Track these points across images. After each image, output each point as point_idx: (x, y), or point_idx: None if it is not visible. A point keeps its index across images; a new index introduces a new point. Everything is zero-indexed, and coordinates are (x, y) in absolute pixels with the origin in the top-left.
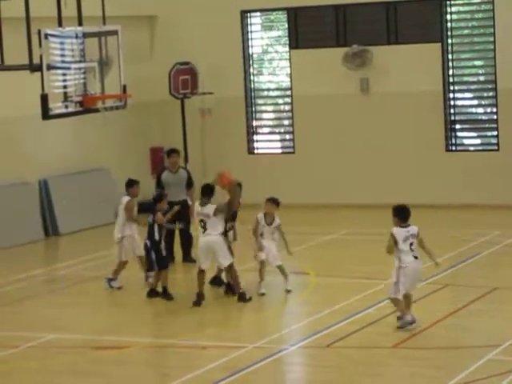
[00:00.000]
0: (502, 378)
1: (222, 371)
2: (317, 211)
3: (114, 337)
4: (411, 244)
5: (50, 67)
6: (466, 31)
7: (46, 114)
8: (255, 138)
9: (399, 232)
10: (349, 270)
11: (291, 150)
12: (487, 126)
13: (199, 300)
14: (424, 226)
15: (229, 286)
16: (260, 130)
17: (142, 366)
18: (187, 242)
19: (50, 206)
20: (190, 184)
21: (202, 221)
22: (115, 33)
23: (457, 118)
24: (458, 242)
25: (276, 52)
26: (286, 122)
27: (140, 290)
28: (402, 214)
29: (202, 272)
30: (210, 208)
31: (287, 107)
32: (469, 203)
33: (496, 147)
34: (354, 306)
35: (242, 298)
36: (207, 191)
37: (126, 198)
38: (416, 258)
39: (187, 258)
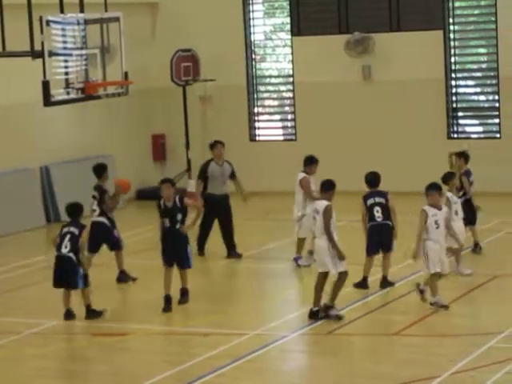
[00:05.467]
0: (502, 365)
1: (223, 358)
2: None
3: (116, 323)
4: None
5: (51, 54)
6: (468, 19)
7: (48, 100)
8: (257, 125)
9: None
10: (352, 257)
11: (293, 138)
12: (489, 113)
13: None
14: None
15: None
16: (261, 117)
17: (144, 353)
18: (231, 235)
19: (52, 192)
20: (234, 174)
21: None
22: (117, 19)
23: (459, 105)
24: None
25: (278, 39)
26: (288, 109)
27: (142, 275)
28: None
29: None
30: None
31: (289, 94)
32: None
33: (498, 135)
34: (356, 292)
35: None
36: None
37: (301, 175)
38: None
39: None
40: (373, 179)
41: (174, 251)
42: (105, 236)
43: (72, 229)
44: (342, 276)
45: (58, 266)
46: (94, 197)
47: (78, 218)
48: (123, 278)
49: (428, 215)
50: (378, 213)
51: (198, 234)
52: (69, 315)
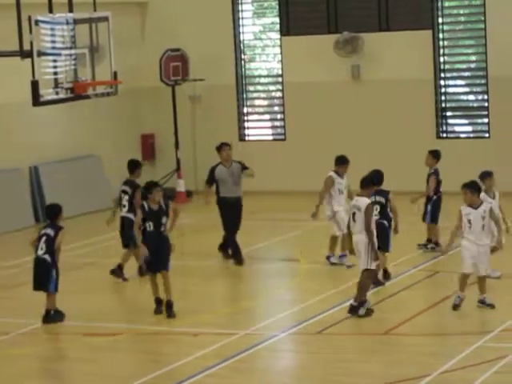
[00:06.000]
0: (492, 364)
1: (213, 358)
2: (308, 198)
3: (106, 323)
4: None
5: (40, 53)
6: (457, 18)
7: (37, 100)
8: (246, 124)
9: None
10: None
11: (282, 137)
12: (478, 113)
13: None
14: (415, 212)
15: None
16: (251, 117)
17: (134, 353)
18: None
19: (41, 192)
20: (244, 167)
21: None
22: (106, 19)
23: (448, 105)
24: (447, 229)
25: (267, 39)
26: (277, 109)
27: (131, 276)
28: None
29: None
30: None
31: (278, 94)
32: (459, 190)
33: (487, 134)
34: (345, 292)
35: None
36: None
37: (330, 173)
38: None
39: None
40: (375, 177)
41: (159, 255)
42: (131, 232)
43: (48, 231)
44: (372, 273)
45: (35, 268)
46: (124, 191)
47: (56, 219)
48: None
49: (462, 214)
50: (375, 211)
51: (230, 242)
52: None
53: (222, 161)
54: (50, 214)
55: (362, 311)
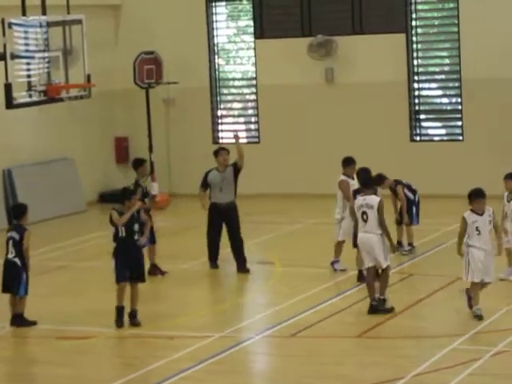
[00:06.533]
0: (466, 366)
1: (187, 361)
2: (282, 201)
3: (79, 327)
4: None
5: (13, 56)
6: (430, 22)
7: (10, 103)
8: (220, 127)
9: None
10: (314, 260)
11: (256, 140)
12: (452, 116)
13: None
14: (389, 215)
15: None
16: (225, 120)
17: (108, 356)
18: (239, 247)
19: (14, 195)
20: (236, 165)
21: None
22: (79, 22)
23: (421, 108)
24: (422, 231)
25: (241, 42)
26: (251, 112)
27: (104, 279)
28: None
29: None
30: None
31: (252, 97)
32: (433, 193)
33: (460, 137)
34: (320, 295)
35: None
36: None
37: (340, 177)
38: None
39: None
40: (374, 177)
41: (133, 264)
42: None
43: (13, 234)
44: (388, 269)
45: (4, 271)
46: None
47: (22, 219)
48: (154, 271)
49: (467, 222)
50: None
51: (208, 246)
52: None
53: (218, 165)
54: (16, 214)
55: (388, 304)
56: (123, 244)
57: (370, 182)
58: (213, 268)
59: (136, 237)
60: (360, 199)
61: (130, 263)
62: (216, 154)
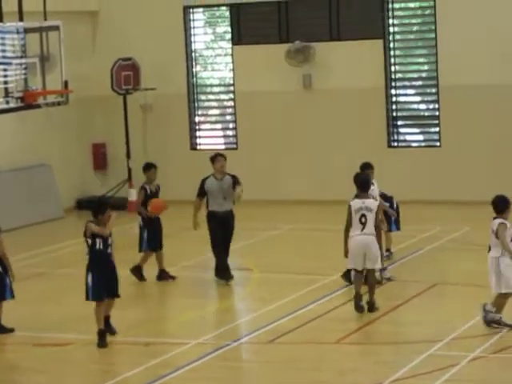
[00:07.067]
0: (443, 372)
1: (164, 368)
2: (260, 207)
3: (56, 333)
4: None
5: None
6: (408, 28)
7: None
8: (198, 134)
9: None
10: (292, 266)
11: (234, 146)
12: (429, 122)
13: None
14: None
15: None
16: (203, 126)
17: (85, 363)
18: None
19: None
20: (236, 182)
21: None
22: (56, 28)
23: (399, 114)
24: (399, 237)
25: (219, 48)
26: (229, 118)
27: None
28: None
29: None
30: None
31: (230, 103)
32: (411, 199)
33: (438, 143)
34: (297, 301)
35: None
36: None
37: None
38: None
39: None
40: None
41: (109, 280)
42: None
43: None
44: (375, 272)
45: None
46: None
47: None
48: (164, 276)
49: (507, 233)
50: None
51: (216, 257)
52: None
53: (214, 172)
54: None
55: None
56: (100, 256)
57: (368, 185)
58: (229, 280)
59: (110, 250)
60: (359, 202)
61: (107, 279)
62: (213, 160)
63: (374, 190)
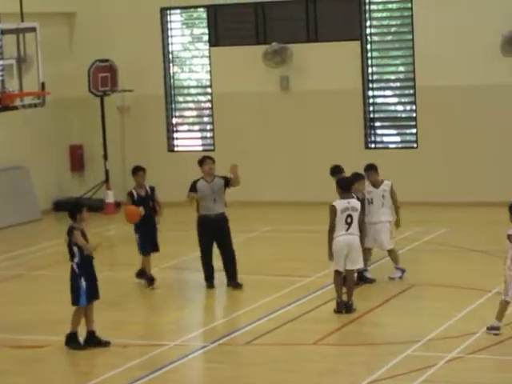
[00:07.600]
0: (421, 373)
1: (141, 369)
2: (238, 208)
3: (34, 335)
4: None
5: None
6: (385, 29)
7: None
8: (175, 135)
9: None
10: (270, 268)
11: (211, 148)
12: (406, 123)
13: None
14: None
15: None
16: (180, 128)
17: (63, 365)
18: (232, 260)
19: None
20: (228, 181)
21: None
22: (33, 29)
23: (376, 115)
24: None
25: (196, 49)
26: (207, 120)
27: (59, 288)
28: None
29: None
30: None
31: (207, 105)
32: None
33: (415, 145)
34: (275, 303)
35: None
36: None
37: (389, 183)
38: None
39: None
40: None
41: (94, 283)
42: None
43: None
44: (354, 273)
45: None
46: None
47: None
48: (144, 276)
49: None
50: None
51: (202, 264)
52: None
53: (204, 175)
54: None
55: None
56: (89, 261)
57: (350, 184)
58: (210, 288)
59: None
60: (344, 202)
61: (94, 283)
62: (201, 163)
63: (378, 192)
